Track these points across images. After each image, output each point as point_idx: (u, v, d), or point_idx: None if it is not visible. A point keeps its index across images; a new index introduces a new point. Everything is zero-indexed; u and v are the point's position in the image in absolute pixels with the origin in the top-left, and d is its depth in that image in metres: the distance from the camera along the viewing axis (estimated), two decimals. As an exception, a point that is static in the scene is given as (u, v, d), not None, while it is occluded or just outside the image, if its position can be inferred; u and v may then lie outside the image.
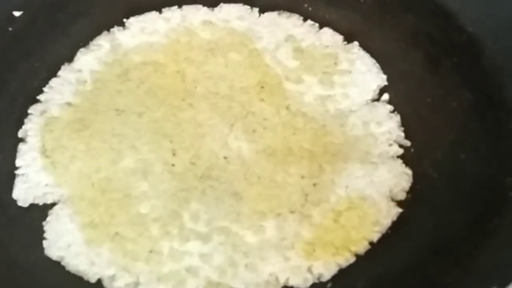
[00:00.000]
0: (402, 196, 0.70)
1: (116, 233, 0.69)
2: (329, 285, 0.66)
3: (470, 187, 0.69)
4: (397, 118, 0.75)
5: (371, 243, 0.68)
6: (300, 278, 0.66)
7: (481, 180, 0.69)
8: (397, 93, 0.77)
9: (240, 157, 0.73)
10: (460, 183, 0.70)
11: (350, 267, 0.67)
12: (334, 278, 0.66)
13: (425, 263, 0.66)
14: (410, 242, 0.67)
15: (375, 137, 0.74)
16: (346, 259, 0.67)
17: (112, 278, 0.67)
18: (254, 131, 0.75)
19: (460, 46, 0.77)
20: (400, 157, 0.73)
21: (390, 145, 0.73)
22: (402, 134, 0.74)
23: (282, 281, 0.66)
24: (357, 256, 0.67)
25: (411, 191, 0.71)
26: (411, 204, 0.70)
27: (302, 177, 0.71)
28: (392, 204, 0.70)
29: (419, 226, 0.68)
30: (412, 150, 0.73)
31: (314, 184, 0.71)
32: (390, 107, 0.75)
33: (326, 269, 0.67)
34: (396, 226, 0.68)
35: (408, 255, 0.67)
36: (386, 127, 0.74)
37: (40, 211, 0.72)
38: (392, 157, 0.73)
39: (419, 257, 0.66)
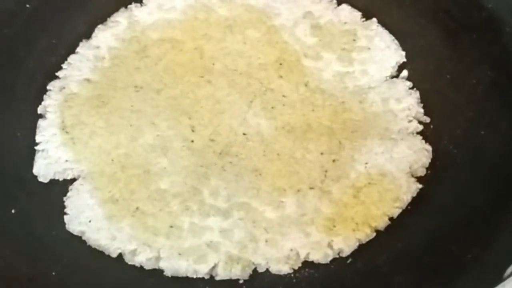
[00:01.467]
0: (422, 172, 0.70)
1: (137, 209, 0.69)
2: (349, 260, 0.66)
3: (490, 163, 0.69)
4: (416, 94, 0.75)
5: (391, 219, 0.68)
6: (320, 254, 0.67)
7: (501, 156, 0.69)
8: (416, 69, 0.77)
9: (259, 133, 0.73)
10: (480, 160, 0.70)
11: (371, 242, 0.67)
12: (354, 254, 0.67)
13: (445, 239, 0.66)
14: (430, 218, 0.67)
15: (395, 114, 0.74)
16: (366, 234, 0.67)
17: (133, 252, 0.67)
18: (273, 107, 0.75)
19: (480, 22, 0.77)
20: (420, 133, 0.73)
21: (410, 121, 0.73)
22: (422, 111, 0.74)
23: (302, 256, 0.67)
24: (377, 231, 0.67)
25: (431, 167, 0.71)
26: (432, 181, 0.70)
27: (322, 154, 0.72)
28: (412, 180, 0.70)
29: (440, 202, 0.68)
30: (431, 126, 0.73)
31: (334, 161, 0.71)
32: (409, 84, 0.76)
33: (346, 245, 0.67)
34: (416, 202, 0.68)
35: (429, 231, 0.67)
36: (406, 104, 0.74)
37: (60, 187, 0.72)
38: (412, 133, 0.73)
39: (439, 233, 0.66)
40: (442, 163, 0.71)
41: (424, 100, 0.75)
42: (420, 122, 0.73)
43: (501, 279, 0.59)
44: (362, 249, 0.67)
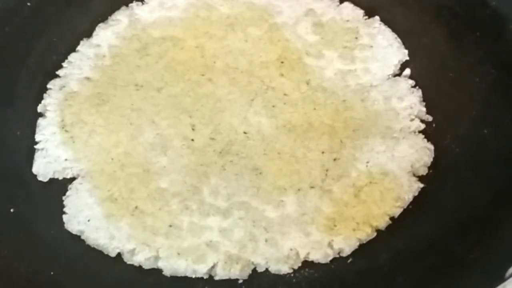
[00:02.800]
0: (423, 171, 0.70)
1: (136, 208, 0.69)
2: (350, 260, 0.66)
3: (493, 162, 0.69)
4: (418, 93, 0.74)
5: (392, 218, 0.67)
6: (320, 253, 0.66)
7: (503, 155, 0.68)
8: (419, 68, 0.76)
9: (260, 132, 0.73)
10: (483, 158, 0.69)
11: (371, 242, 0.66)
12: (355, 253, 0.66)
13: (447, 239, 0.65)
14: (432, 218, 0.67)
15: (397, 112, 0.73)
16: (367, 234, 0.67)
17: (132, 252, 0.67)
18: (274, 106, 0.74)
19: (483, 20, 0.76)
20: (422, 132, 0.72)
21: (412, 120, 0.73)
22: (424, 109, 0.73)
23: (302, 256, 0.66)
24: (378, 231, 0.67)
25: (433, 166, 0.70)
26: (434, 180, 0.69)
27: (323, 152, 0.71)
28: (414, 179, 0.69)
29: (442, 201, 0.68)
30: (434, 125, 0.73)
31: (335, 159, 0.71)
32: (411, 82, 0.75)
33: (347, 244, 0.66)
34: (418, 201, 0.68)
35: (430, 230, 0.66)
36: (408, 102, 0.74)
37: (60, 186, 0.72)
38: (414, 132, 0.72)
39: (441, 232, 0.66)
40: (444, 162, 0.70)
41: (427, 99, 0.74)
42: (422, 121, 0.73)
43: (502, 279, 0.59)
44: (363, 249, 0.66)
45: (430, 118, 0.72)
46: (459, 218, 0.66)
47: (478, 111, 0.72)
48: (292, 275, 0.66)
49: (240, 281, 0.66)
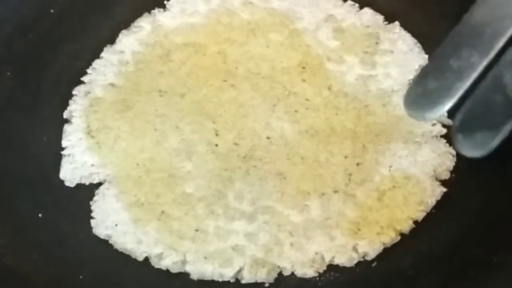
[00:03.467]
0: (446, 175, 0.71)
1: (162, 212, 0.70)
2: (374, 264, 0.67)
3: None
4: None
5: (415, 222, 0.68)
6: (345, 257, 0.67)
7: None
8: None
9: (283, 137, 0.74)
10: (505, 162, 0.68)
11: (395, 246, 0.67)
12: (379, 257, 0.67)
13: (471, 242, 0.66)
14: (455, 222, 0.67)
15: None
16: (391, 238, 0.67)
17: (160, 256, 0.68)
18: (296, 111, 0.75)
19: None
20: (444, 136, 0.73)
21: (434, 124, 0.73)
22: (445, 114, 0.73)
23: (327, 259, 0.67)
24: (402, 235, 0.68)
25: (456, 170, 0.71)
26: (456, 184, 0.70)
27: (345, 157, 0.72)
28: (437, 183, 0.70)
29: (465, 205, 0.68)
30: None
31: (358, 164, 0.71)
32: None
33: (371, 248, 0.67)
34: (442, 205, 0.69)
35: (454, 234, 0.67)
36: None
37: (87, 191, 0.73)
38: (436, 136, 0.73)
39: (465, 236, 0.66)
40: (466, 165, 0.70)
41: None
42: (444, 126, 0.73)
43: None
44: (387, 253, 0.67)
45: (451, 123, 0.73)
46: (481, 221, 0.67)
47: None
48: (317, 278, 0.66)
49: (267, 285, 0.67)
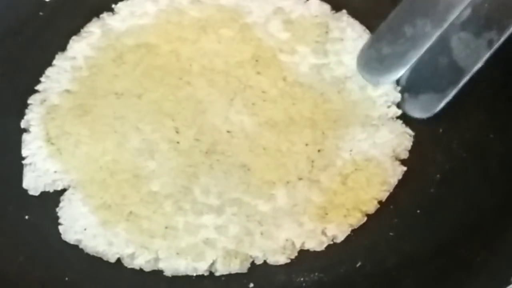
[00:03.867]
0: (405, 155, 0.73)
1: (130, 212, 0.70)
2: (358, 264, 0.68)
3: (500, 167, 0.71)
4: None
5: (380, 202, 0.70)
6: (315, 241, 0.69)
7: (510, 160, 0.71)
8: None
9: (243, 130, 0.75)
10: (490, 163, 0.71)
11: (379, 246, 0.68)
12: (364, 258, 0.68)
13: (454, 243, 0.67)
14: (439, 222, 0.69)
15: (373, 100, 0.76)
16: (358, 219, 0.69)
17: (132, 256, 0.69)
18: (253, 104, 0.76)
19: None
20: (400, 118, 0.75)
21: (389, 106, 0.75)
22: (399, 95, 0.76)
23: (298, 245, 0.68)
24: (386, 236, 0.69)
25: (441, 170, 0.72)
26: (441, 184, 0.71)
27: (306, 145, 0.73)
28: (397, 163, 0.72)
29: (449, 205, 0.70)
30: (441, 130, 0.74)
31: (319, 151, 0.73)
32: None
33: (340, 230, 0.69)
34: (426, 205, 0.70)
35: (438, 234, 0.68)
36: (383, 90, 0.76)
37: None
38: (392, 118, 0.75)
39: (449, 236, 0.68)
40: (451, 167, 0.72)
41: None
42: (398, 107, 0.75)
43: (509, 283, 0.61)
44: (371, 253, 0.68)
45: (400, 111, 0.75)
46: (466, 222, 0.68)
47: (484, 116, 0.74)
48: (301, 279, 0.67)
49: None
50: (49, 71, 0.80)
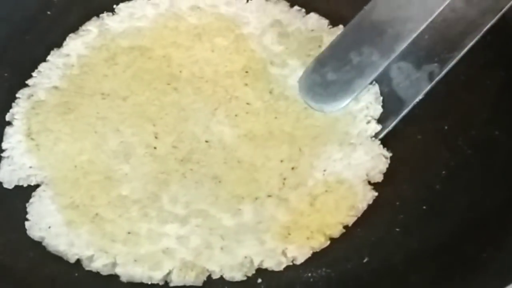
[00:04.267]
0: (379, 178, 0.71)
1: (96, 215, 0.70)
2: (365, 259, 0.67)
3: (504, 163, 0.70)
4: (374, 89, 0.74)
5: (345, 227, 0.68)
6: (274, 261, 0.67)
7: None
8: None
9: (222, 141, 0.73)
10: (494, 160, 0.71)
11: (387, 242, 0.68)
12: (371, 253, 0.67)
13: (460, 239, 0.67)
14: (445, 218, 0.68)
15: (354, 115, 0.74)
16: (320, 243, 0.67)
17: (91, 258, 0.68)
18: (236, 115, 0.75)
19: (493, 24, 0.75)
20: (381, 139, 0.73)
21: (368, 122, 0.73)
22: (380, 107, 0.74)
23: (256, 263, 0.67)
24: (392, 230, 0.69)
25: (446, 167, 0.71)
26: (447, 181, 0.71)
27: (281, 161, 0.72)
28: (368, 188, 0.70)
29: (454, 202, 0.69)
30: (446, 127, 0.74)
31: (293, 168, 0.71)
32: None
33: (300, 252, 0.67)
34: (431, 202, 0.69)
35: (444, 230, 0.68)
36: (364, 102, 0.74)
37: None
38: (371, 137, 0.73)
39: (455, 233, 0.67)
40: (456, 163, 0.71)
41: (438, 102, 0.74)
42: (379, 122, 0.73)
43: None
44: (378, 249, 0.68)
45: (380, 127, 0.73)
46: (471, 218, 0.68)
47: (489, 113, 0.74)
48: (309, 274, 0.67)
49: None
50: (42, 67, 0.80)
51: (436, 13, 0.67)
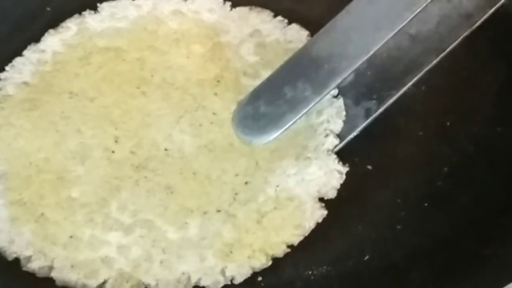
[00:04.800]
0: (332, 194, 0.68)
1: (42, 214, 0.68)
2: (367, 257, 0.66)
3: (507, 160, 0.69)
4: (338, 102, 0.72)
5: (290, 247, 0.66)
6: (211, 279, 0.64)
7: None
8: (431, 67, 0.74)
9: (181, 150, 0.70)
10: (496, 156, 0.70)
11: (388, 239, 0.67)
12: (371, 250, 0.66)
13: (462, 235, 0.66)
14: (447, 215, 0.67)
15: (314, 129, 0.71)
16: (261, 263, 0.64)
17: (28, 259, 0.66)
18: (200, 125, 0.72)
19: (495, 19, 0.74)
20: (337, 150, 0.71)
21: (326, 135, 0.70)
22: (341, 122, 0.71)
23: (193, 281, 0.64)
24: (393, 227, 0.67)
25: (448, 164, 0.70)
26: (449, 178, 0.69)
27: (236, 175, 0.68)
28: (318, 205, 0.67)
29: (456, 198, 0.68)
30: (448, 124, 0.72)
31: (246, 183, 0.68)
32: (333, 92, 0.72)
33: (239, 272, 0.64)
34: (433, 198, 0.68)
35: (445, 227, 0.66)
36: (325, 116, 0.71)
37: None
38: (327, 151, 0.70)
39: (456, 230, 0.66)
40: (458, 160, 0.70)
41: (440, 98, 0.73)
42: (338, 136, 0.71)
43: None
44: (379, 246, 0.66)
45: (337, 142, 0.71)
46: (473, 215, 0.67)
47: (491, 110, 0.73)
48: (310, 272, 0.65)
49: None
50: (16, 61, 0.78)
51: (372, 52, 0.65)
